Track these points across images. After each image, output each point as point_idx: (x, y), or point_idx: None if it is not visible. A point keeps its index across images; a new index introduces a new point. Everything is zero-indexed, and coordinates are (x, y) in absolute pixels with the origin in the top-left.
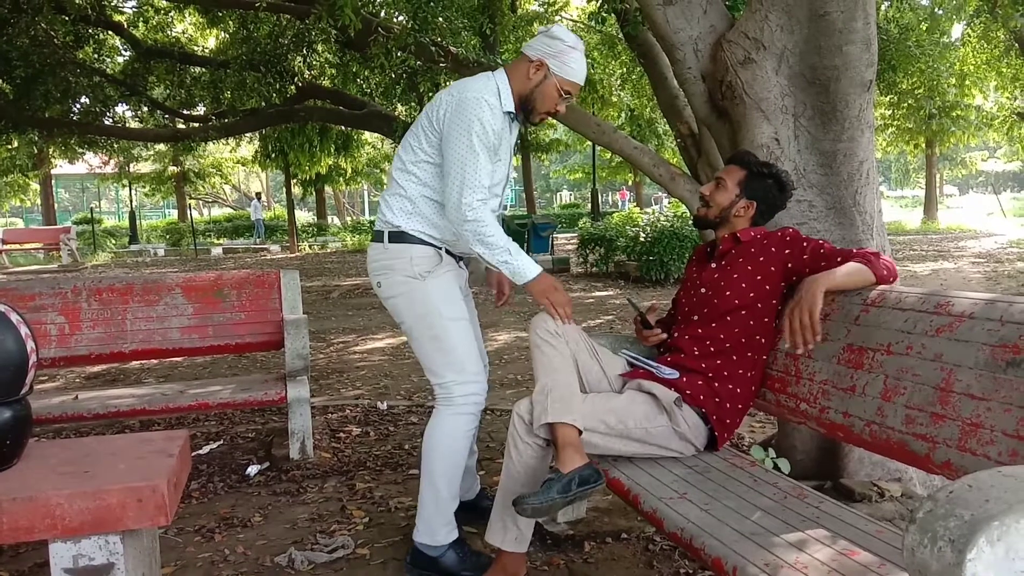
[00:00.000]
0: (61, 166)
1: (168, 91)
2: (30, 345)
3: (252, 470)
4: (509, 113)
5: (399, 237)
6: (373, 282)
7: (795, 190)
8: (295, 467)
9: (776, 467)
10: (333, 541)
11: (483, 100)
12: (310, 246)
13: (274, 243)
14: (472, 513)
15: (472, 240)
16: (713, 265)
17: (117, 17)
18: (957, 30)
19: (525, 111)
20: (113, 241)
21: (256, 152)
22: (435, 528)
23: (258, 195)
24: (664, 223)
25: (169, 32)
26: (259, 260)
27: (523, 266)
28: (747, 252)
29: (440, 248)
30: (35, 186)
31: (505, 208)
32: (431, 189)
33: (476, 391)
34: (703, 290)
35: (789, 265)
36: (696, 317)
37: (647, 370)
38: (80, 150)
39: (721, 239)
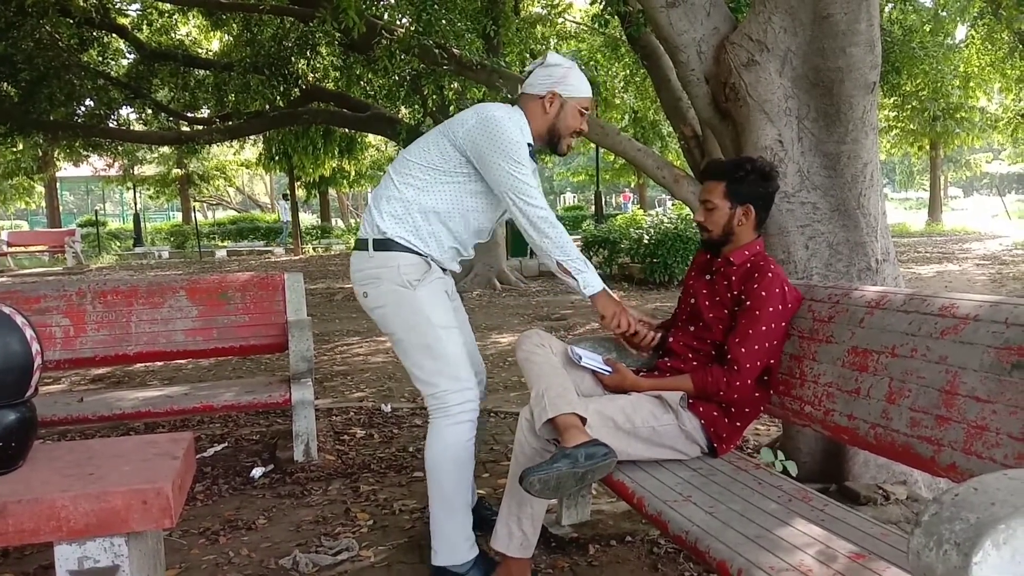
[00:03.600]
0: (66, 169)
1: (172, 94)
2: (35, 347)
3: (256, 472)
4: (529, 145)
5: (384, 245)
6: (358, 292)
7: (779, 172)
8: (299, 469)
9: (785, 470)
10: (337, 544)
11: (510, 117)
12: (314, 248)
13: (277, 245)
14: (472, 522)
15: (554, 248)
16: (708, 278)
17: (121, 20)
18: (961, 32)
19: (551, 142)
20: (118, 243)
21: (260, 154)
22: (456, 545)
23: (285, 196)
24: (668, 225)
25: (173, 35)
26: (263, 262)
27: (593, 278)
28: (733, 272)
29: (426, 257)
30: (40, 189)
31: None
32: (426, 195)
33: (471, 398)
34: (692, 300)
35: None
36: (692, 327)
37: (589, 367)
38: (85, 153)
39: (719, 257)
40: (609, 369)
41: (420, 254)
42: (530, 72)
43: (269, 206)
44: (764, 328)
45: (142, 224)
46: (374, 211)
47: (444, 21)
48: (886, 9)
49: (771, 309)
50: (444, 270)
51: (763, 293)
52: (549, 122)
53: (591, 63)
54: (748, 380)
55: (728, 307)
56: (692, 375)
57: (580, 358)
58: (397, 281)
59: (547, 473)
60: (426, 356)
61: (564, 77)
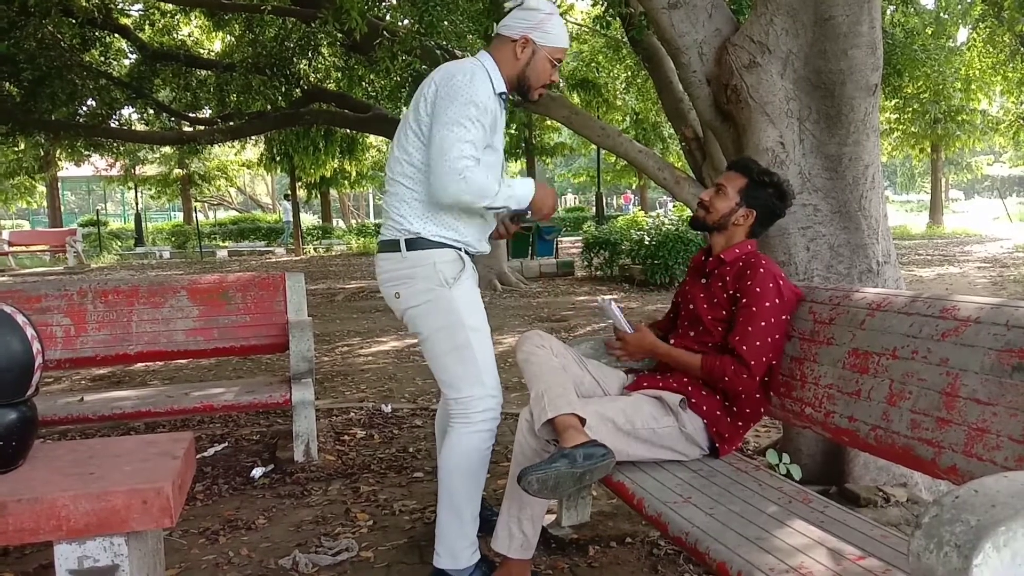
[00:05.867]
0: (67, 168)
1: (174, 94)
2: (36, 347)
3: (256, 472)
4: (501, 94)
5: (417, 243)
6: (389, 293)
7: (795, 197)
8: (299, 470)
9: (788, 473)
10: (337, 544)
11: (471, 72)
12: (315, 249)
13: (279, 246)
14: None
15: (475, 199)
16: (703, 281)
17: (123, 20)
18: (963, 34)
19: (521, 91)
20: (119, 243)
21: (261, 155)
22: (458, 552)
23: (286, 196)
24: (668, 227)
25: (175, 35)
26: (264, 263)
27: (523, 190)
28: (727, 272)
29: (460, 249)
30: (41, 188)
31: None
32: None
33: (493, 406)
34: (691, 306)
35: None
36: (692, 332)
37: (614, 317)
38: (86, 152)
39: (711, 257)
40: (631, 330)
41: (454, 246)
42: (507, 11)
43: (270, 206)
44: (763, 323)
45: (143, 224)
46: (395, 216)
47: (446, 22)
48: (888, 11)
49: (767, 304)
50: (474, 258)
51: (757, 289)
52: (519, 69)
53: (592, 65)
54: (755, 375)
55: (726, 307)
56: (702, 357)
57: (610, 303)
58: (434, 280)
59: (545, 472)
60: (454, 359)
61: (541, 23)
